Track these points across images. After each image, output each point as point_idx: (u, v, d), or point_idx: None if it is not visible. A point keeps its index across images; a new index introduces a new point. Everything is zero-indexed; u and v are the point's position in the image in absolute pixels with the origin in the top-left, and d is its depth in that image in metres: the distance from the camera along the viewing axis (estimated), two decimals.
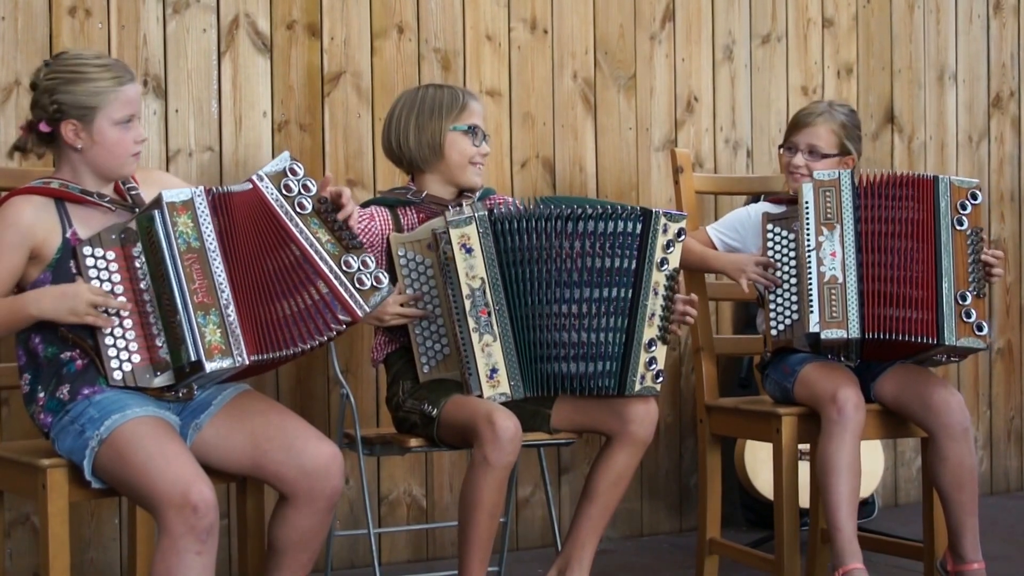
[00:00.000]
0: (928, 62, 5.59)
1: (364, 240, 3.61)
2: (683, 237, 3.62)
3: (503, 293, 3.57)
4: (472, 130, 3.76)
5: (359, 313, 3.14)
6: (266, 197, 3.15)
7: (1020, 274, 5.81)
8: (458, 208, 3.61)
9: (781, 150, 4.16)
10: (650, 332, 3.59)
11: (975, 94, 5.70)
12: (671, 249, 3.60)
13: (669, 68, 5.05)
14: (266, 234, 3.16)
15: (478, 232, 3.55)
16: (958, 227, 3.86)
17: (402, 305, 3.63)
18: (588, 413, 3.67)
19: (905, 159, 5.53)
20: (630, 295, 3.58)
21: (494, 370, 3.56)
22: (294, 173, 3.16)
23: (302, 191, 3.15)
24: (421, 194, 3.78)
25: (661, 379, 3.62)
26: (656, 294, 3.60)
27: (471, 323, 3.54)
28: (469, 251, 3.55)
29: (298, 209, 3.15)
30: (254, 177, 3.16)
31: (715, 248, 4.13)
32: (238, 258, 3.14)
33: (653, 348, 3.59)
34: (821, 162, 4.05)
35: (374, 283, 3.14)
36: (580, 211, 3.58)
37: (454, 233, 3.54)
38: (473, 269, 3.55)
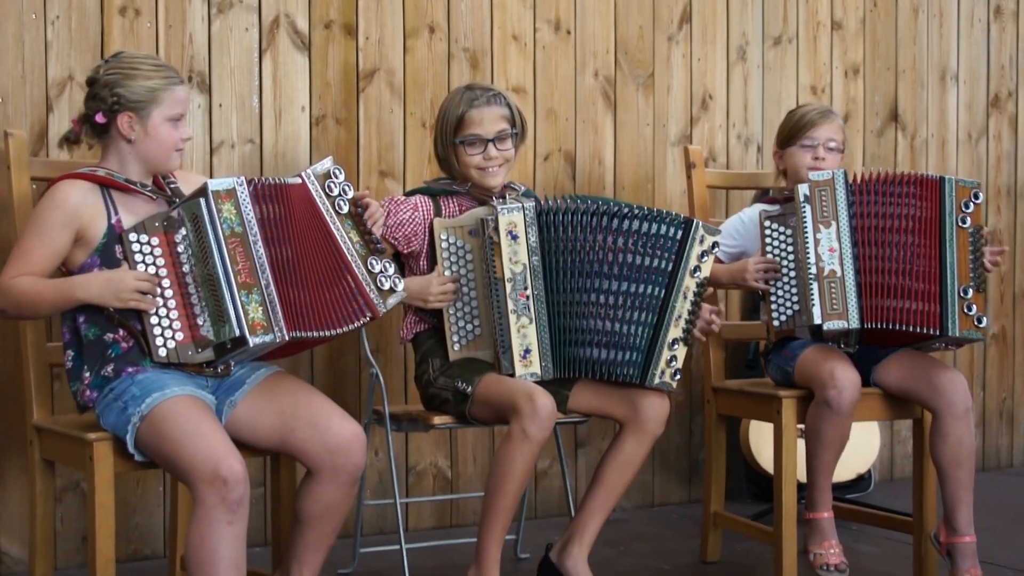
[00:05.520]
0: (931, 63, 5.63)
1: (410, 229, 3.80)
2: (716, 250, 3.72)
3: (542, 279, 3.69)
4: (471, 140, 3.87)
5: (379, 311, 3.33)
6: (312, 194, 3.32)
7: (1014, 264, 5.86)
8: (502, 200, 3.77)
9: (789, 150, 4.17)
10: (675, 332, 3.68)
11: (975, 94, 5.74)
12: (705, 259, 3.71)
13: (685, 67, 5.11)
14: (307, 227, 3.30)
15: (525, 221, 3.68)
16: (961, 225, 3.90)
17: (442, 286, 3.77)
18: (605, 399, 3.78)
19: (908, 156, 5.58)
20: (662, 294, 3.68)
21: (527, 350, 3.67)
22: (336, 176, 3.35)
23: (342, 193, 3.34)
24: (466, 185, 3.89)
25: (678, 377, 3.72)
26: (685, 298, 3.70)
27: (510, 305, 3.66)
28: (515, 238, 3.67)
29: (337, 209, 3.34)
30: (303, 174, 3.32)
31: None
32: (278, 244, 3.24)
33: (676, 347, 3.69)
34: (836, 156, 4.14)
35: (392, 285, 3.35)
36: (625, 210, 3.69)
37: (503, 220, 3.67)
38: (517, 255, 3.67)
